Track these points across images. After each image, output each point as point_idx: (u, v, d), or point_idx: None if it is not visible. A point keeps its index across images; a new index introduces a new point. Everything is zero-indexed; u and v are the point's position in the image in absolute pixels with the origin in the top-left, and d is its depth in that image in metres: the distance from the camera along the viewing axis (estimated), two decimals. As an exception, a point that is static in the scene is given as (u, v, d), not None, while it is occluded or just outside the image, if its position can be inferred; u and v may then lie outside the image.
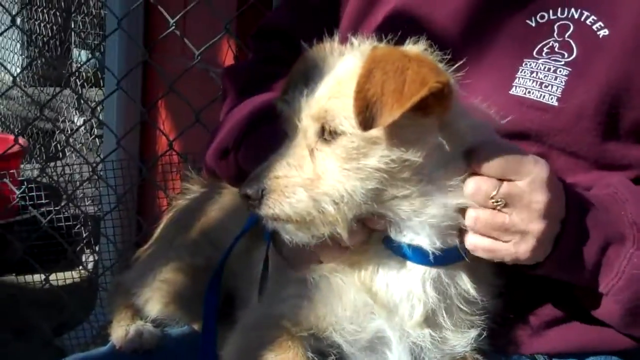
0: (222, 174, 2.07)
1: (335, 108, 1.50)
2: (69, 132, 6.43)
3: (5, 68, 3.84)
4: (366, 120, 1.40)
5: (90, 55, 5.35)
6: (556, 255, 1.63)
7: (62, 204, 4.22)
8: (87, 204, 4.65)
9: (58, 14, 7.07)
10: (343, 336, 1.65)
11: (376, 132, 1.46)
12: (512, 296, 1.74)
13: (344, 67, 1.56)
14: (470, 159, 1.55)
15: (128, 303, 2.20)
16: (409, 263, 1.62)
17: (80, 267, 4.95)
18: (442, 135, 1.51)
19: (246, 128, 1.97)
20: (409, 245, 1.59)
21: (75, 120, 6.74)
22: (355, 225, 1.55)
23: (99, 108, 4.91)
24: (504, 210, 1.55)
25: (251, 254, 1.95)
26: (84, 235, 5.10)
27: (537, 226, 1.57)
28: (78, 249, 5.02)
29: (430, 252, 1.58)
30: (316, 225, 1.52)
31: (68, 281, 5.03)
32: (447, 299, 1.65)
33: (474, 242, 1.59)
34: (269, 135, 1.92)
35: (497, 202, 1.55)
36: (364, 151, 1.49)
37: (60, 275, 4.90)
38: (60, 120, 6.69)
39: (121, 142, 3.81)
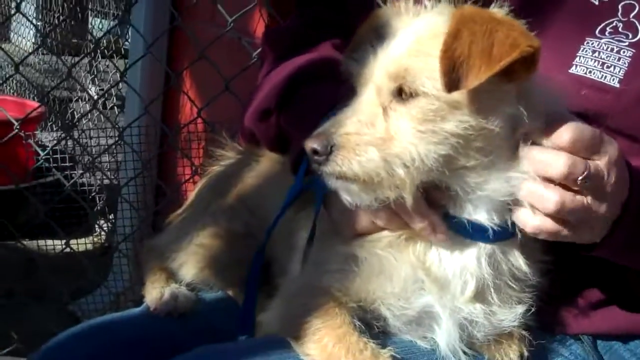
0: (262, 137, 2.03)
1: (417, 67, 1.46)
2: (86, 100, 6.39)
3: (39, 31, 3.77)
4: (452, 81, 1.37)
5: (112, 24, 5.28)
6: (615, 238, 1.60)
7: (86, 170, 4.18)
8: (107, 170, 4.61)
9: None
10: (391, 310, 1.63)
11: (458, 95, 1.42)
12: (559, 275, 1.71)
13: (424, 25, 1.51)
14: (548, 131, 1.49)
15: (162, 266, 2.19)
16: (463, 238, 1.59)
17: (100, 233, 4.94)
18: (521, 105, 1.47)
19: (289, 88, 1.93)
20: (469, 222, 1.56)
21: (91, 91, 6.69)
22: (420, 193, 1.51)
23: (117, 77, 4.87)
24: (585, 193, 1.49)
25: (290, 222, 1.93)
26: (101, 202, 5.10)
27: (603, 209, 1.53)
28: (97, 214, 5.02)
29: (489, 228, 1.55)
30: (383, 188, 1.49)
31: (82, 247, 5.04)
32: (499, 275, 1.63)
33: (541, 226, 1.52)
34: (313, 96, 1.88)
35: (585, 182, 1.48)
36: (442, 114, 1.45)
37: (81, 241, 4.92)
38: (78, 89, 6.66)
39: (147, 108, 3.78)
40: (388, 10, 1.60)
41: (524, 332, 1.72)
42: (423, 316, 1.65)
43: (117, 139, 3.52)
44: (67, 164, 4.40)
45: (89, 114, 4.52)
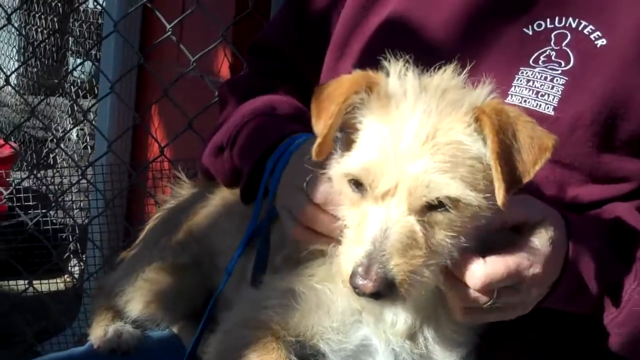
0: (217, 172, 2.04)
1: (444, 181, 1.44)
2: (63, 140, 6.39)
3: (2, 71, 3.80)
4: (513, 183, 1.46)
5: (84, 60, 5.32)
6: (556, 294, 1.62)
7: (50, 209, 4.16)
8: (74, 208, 4.59)
9: (56, 19, 7.06)
10: (329, 345, 1.63)
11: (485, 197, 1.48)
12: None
13: (430, 125, 1.47)
14: (459, 266, 1.52)
15: (109, 304, 2.18)
16: None
17: (66, 275, 4.89)
18: None
19: (242, 124, 1.95)
20: None
21: (73, 131, 6.70)
22: None
23: (92, 116, 4.89)
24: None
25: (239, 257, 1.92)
26: (71, 242, 5.06)
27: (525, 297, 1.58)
28: (65, 256, 4.98)
29: None
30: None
31: (53, 287, 4.98)
32: (433, 312, 1.63)
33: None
34: (260, 127, 1.90)
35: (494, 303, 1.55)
36: (476, 216, 1.49)
37: (45, 281, 4.86)
38: (53, 127, 6.67)
39: (113, 147, 3.78)
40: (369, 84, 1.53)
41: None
42: (360, 350, 1.65)
43: (80, 177, 3.51)
44: (36, 204, 4.35)
45: (62, 149, 4.49)
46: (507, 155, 1.45)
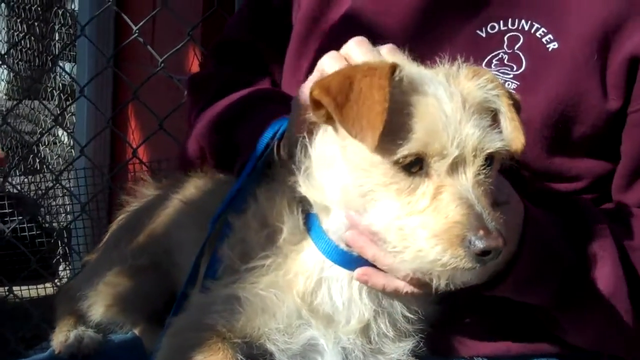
0: (212, 150, 2.00)
1: (498, 137, 1.53)
2: (51, 145, 6.39)
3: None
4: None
5: (64, 65, 5.32)
6: (513, 276, 1.62)
7: (27, 214, 4.16)
8: (62, 213, 4.59)
9: (36, 24, 7.04)
10: (276, 345, 1.65)
11: None
12: (453, 301, 1.71)
13: (458, 92, 1.53)
14: None
15: (72, 309, 2.18)
16: (345, 272, 1.63)
17: (56, 280, 4.90)
18: None
19: (250, 103, 1.94)
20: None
21: (60, 134, 6.70)
22: None
23: (75, 119, 4.88)
24: None
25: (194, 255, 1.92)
26: (60, 246, 5.07)
27: None
28: (55, 260, 4.98)
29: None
30: None
31: (42, 292, 4.99)
32: (387, 309, 1.65)
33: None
34: (267, 112, 1.87)
35: None
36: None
37: (33, 286, 4.87)
38: (39, 131, 6.66)
39: (90, 151, 3.79)
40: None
41: (411, 358, 1.72)
42: (308, 349, 1.66)
43: (54, 183, 3.51)
44: (14, 211, 4.36)
45: (36, 155, 4.49)
46: (517, 106, 1.55)
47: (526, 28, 1.79)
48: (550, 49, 1.76)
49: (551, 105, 1.73)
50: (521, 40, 1.78)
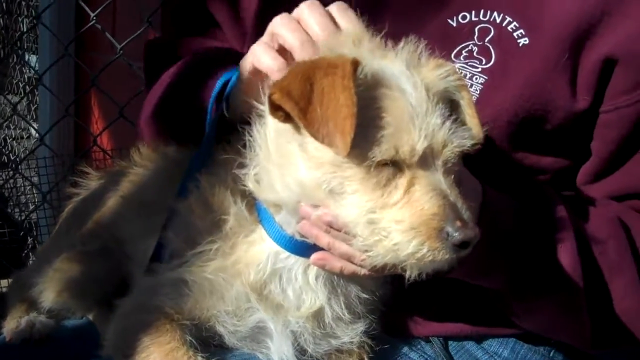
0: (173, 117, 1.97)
1: (464, 134, 1.53)
2: (19, 139, 6.31)
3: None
4: None
5: (30, 58, 5.26)
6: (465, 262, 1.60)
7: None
8: (21, 205, 4.55)
9: (6, 17, 6.94)
10: (225, 327, 1.66)
11: None
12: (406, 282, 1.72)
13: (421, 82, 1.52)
14: None
15: (24, 297, 2.18)
16: (301, 261, 1.63)
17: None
18: None
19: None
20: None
21: (30, 129, 6.62)
22: None
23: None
24: None
25: (147, 240, 1.92)
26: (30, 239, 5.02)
27: None
28: (24, 254, 4.93)
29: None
30: None
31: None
32: (342, 292, 1.66)
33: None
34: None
35: None
36: None
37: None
38: (7, 125, 6.57)
39: (54, 141, 3.76)
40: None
41: (363, 339, 1.73)
42: (256, 332, 1.67)
43: (13, 172, 3.47)
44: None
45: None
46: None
47: (498, 21, 1.75)
48: (520, 44, 1.73)
49: (518, 102, 1.71)
50: (492, 33, 1.75)
